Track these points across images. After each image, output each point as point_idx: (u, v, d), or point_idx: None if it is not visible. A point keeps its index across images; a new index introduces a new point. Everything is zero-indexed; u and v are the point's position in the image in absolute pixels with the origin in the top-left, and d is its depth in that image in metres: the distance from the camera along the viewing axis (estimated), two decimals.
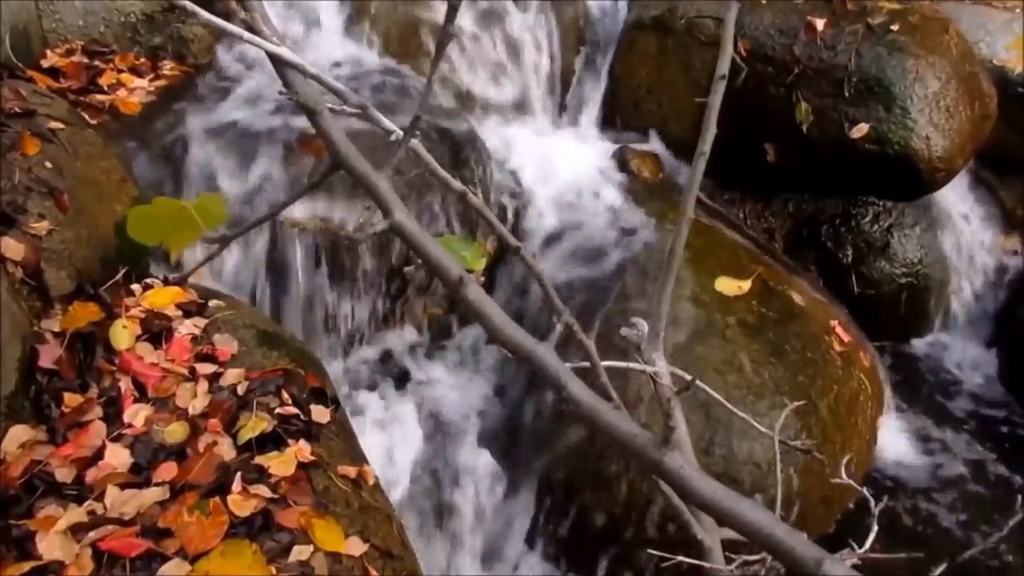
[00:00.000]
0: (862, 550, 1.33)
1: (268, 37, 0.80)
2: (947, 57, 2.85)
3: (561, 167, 3.04)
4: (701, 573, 1.36)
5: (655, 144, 3.22)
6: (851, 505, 2.50)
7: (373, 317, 2.58)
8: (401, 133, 0.82)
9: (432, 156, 0.96)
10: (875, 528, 1.39)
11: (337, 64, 2.90)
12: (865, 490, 1.50)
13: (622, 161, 3.12)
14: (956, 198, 3.28)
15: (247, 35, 0.80)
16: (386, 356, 2.62)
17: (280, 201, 2.23)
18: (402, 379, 2.58)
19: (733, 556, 1.37)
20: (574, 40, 3.36)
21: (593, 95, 3.35)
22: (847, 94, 2.82)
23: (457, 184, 0.85)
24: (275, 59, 0.82)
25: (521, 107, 3.23)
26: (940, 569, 1.19)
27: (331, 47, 2.98)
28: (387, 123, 0.83)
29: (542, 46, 3.25)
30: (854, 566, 1.00)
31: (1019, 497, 2.62)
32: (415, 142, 0.83)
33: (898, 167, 2.80)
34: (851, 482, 1.59)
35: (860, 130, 2.78)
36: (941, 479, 2.74)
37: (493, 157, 2.87)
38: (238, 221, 2.29)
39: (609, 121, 3.35)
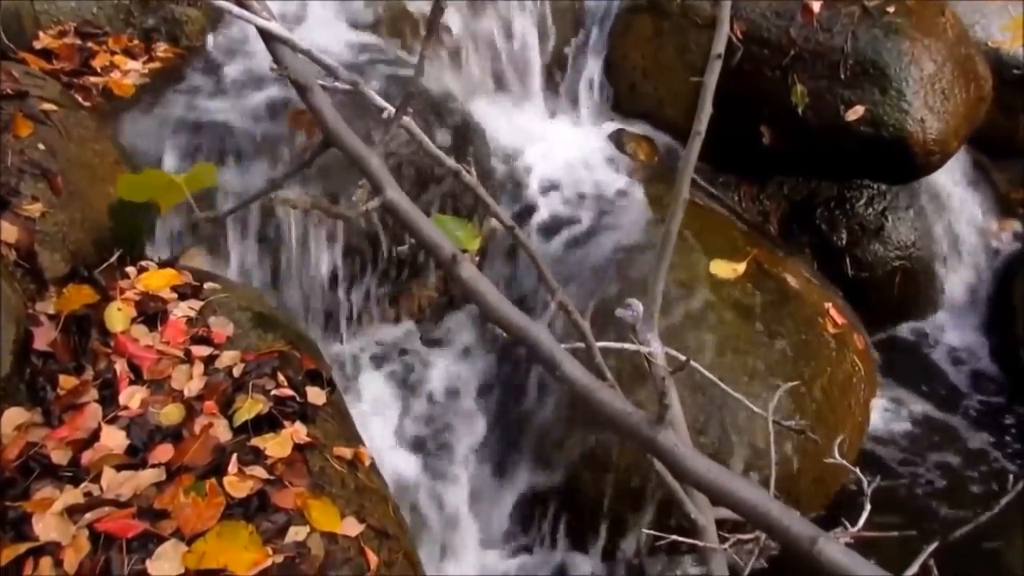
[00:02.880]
0: (855, 529, 1.34)
1: (258, 12, 0.79)
2: (943, 39, 2.85)
3: (556, 150, 3.04)
4: (696, 552, 1.37)
5: (650, 127, 3.21)
6: (844, 485, 2.51)
7: (369, 299, 2.58)
8: (393, 110, 0.82)
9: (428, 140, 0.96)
10: (868, 507, 1.40)
11: (328, 44, 2.88)
12: (858, 470, 1.51)
13: (618, 144, 3.11)
14: (950, 181, 3.28)
15: (236, 9, 0.79)
16: (382, 338, 2.62)
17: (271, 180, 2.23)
18: (397, 362, 2.59)
19: (727, 536, 1.38)
20: (570, 24, 3.35)
21: (589, 79, 3.34)
22: (843, 76, 2.81)
23: (451, 162, 0.85)
24: (265, 34, 0.81)
25: (516, 91, 3.22)
26: (932, 547, 1.20)
27: (322, 28, 2.96)
28: (379, 100, 0.82)
29: (538, 30, 3.24)
30: (847, 545, 1.00)
31: (1011, 477, 2.66)
32: (408, 119, 0.83)
33: (893, 150, 2.80)
34: (844, 462, 1.60)
35: (855, 112, 2.77)
36: (933, 460, 2.76)
37: (488, 139, 2.87)
38: (233, 204, 2.28)
39: (605, 104, 3.34)
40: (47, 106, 2.10)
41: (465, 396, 2.50)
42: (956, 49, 2.88)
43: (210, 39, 2.86)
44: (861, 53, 2.80)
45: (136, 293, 1.92)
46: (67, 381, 1.71)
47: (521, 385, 2.43)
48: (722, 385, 1.49)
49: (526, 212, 2.80)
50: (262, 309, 2.05)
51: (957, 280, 3.29)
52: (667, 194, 2.70)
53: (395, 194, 0.79)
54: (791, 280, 2.67)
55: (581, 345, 1.07)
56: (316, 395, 1.83)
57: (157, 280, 1.97)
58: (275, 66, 0.81)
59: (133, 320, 1.86)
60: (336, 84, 0.82)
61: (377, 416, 2.42)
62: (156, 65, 2.72)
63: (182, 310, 1.92)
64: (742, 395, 1.53)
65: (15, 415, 1.62)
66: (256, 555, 1.47)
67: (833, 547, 0.86)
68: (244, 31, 2.80)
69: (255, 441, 1.66)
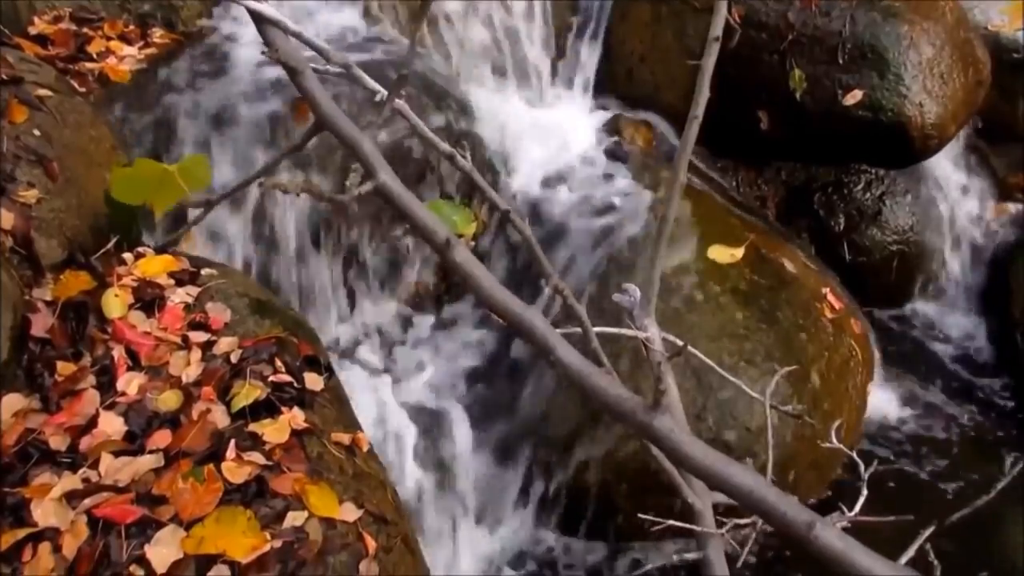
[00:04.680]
0: (852, 514, 1.34)
1: None
2: (941, 23, 2.84)
3: (554, 136, 3.03)
4: (693, 536, 1.38)
5: (648, 113, 3.20)
6: (841, 470, 2.52)
7: (366, 284, 2.58)
8: (386, 93, 0.82)
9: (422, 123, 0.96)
10: (865, 492, 1.40)
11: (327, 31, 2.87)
12: (855, 455, 1.51)
13: (615, 130, 3.10)
14: (948, 166, 3.28)
15: None
16: (378, 324, 2.62)
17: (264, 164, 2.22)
18: (394, 345, 2.59)
19: (724, 520, 1.38)
20: (568, 9, 3.34)
21: (586, 64, 3.33)
22: (841, 61, 2.80)
23: (445, 146, 0.85)
24: (255, 16, 0.81)
25: (513, 76, 3.21)
26: (929, 532, 1.20)
27: (323, 15, 2.95)
28: (371, 82, 0.82)
29: (535, 16, 3.22)
30: (844, 529, 1.01)
31: (1008, 460, 2.67)
32: (401, 102, 0.82)
33: (891, 134, 2.79)
34: (841, 447, 1.60)
35: (854, 97, 2.76)
36: (930, 444, 2.76)
37: (484, 124, 2.86)
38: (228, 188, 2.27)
39: (602, 90, 3.33)
40: (42, 92, 2.09)
41: (463, 374, 2.51)
42: (955, 33, 2.87)
43: (206, 24, 2.86)
44: (859, 37, 2.79)
45: (133, 279, 1.92)
46: (65, 367, 1.71)
47: (518, 367, 2.44)
48: (719, 370, 1.49)
49: (522, 197, 2.79)
50: (259, 295, 2.05)
51: (955, 264, 3.29)
52: (665, 179, 2.70)
53: (388, 178, 0.78)
54: (789, 265, 2.67)
55: (577, 330, 1.07)
56: (314, 381, 1.83)
57: (154, 266, 1.97)
58: (266, 49, 0.80)
59: (130, 306, 1.86)
60: (328, 67, 0.82)
61: (374, 400, 2.43)
62: (152, 51, 2.71)
63: (179, 296, 1.91)
64: (739, 380, 1.53)
65: (13, 401, 1.62)
66: (254, 540, 1.48)
67: (830, 533, 0.86)
68: (240, 16, 2.79)
69: (253, 427, 1.66)
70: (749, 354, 2.37)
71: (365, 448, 1.81)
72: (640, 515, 1.93)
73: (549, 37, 3.27)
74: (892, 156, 2.95)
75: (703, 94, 1.28)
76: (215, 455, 1.60)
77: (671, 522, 1.38)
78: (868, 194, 3.13)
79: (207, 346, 1.83)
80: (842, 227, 3.12)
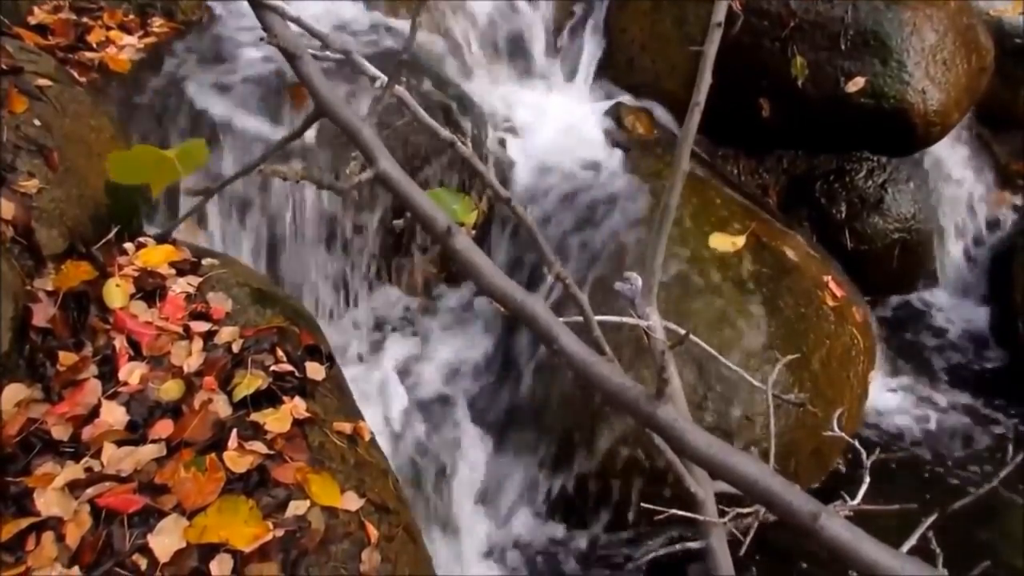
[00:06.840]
0: (854, 502, 1.34)
1: None
2: (944, 9, 2.83)
3: (555, 125, 3.03)
4: (695, 526, 1.38)
5: (649, 100, 3.19)
6: (842, 458, 2.52)
7: (366, 274, 2.58)
8: (386, 79, 0.81)
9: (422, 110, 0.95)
10: (867, 480, 1.40)
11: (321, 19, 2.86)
12: (856, 443, 1.51)
13: (616, 118, 3.10)
14: (950, 153, 3.27)
15: None
16: (380, 314, 2.62)
17: (263, 152, 2.22)
18: (395, 337, 2.59)
19: (727, 509, 1.38)
20: None
21: (587, 53, 3.32)
22: (843, 47, 2.79)
23: (446, 132, 0.84)
24: (253, 2, 0.80)
25: (515, 65, 3.21)
26: (930, 520, 1.20)
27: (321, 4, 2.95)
28: (371, 69, 0.81)
29: (535, 4, 3.21)
30: (846, 518, 1.01)
31: (1009, 449, 2.66)
32: (401, 89, 0.82)
33: (893, 121, 2.79)
34: (843, 435, 1.60)
35: (856, 84, 2.75)
36: (932, 432, 2.77)
37: (485, 113, 2.85)
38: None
39: (603, 79, 3.33)
40: (42, 82, 2.08)
41: (464, 366, 2.51)
42: (958, 19, 2.85)
43: (206, 13, 2.85)
44: (862, 23, 2.78)
45: (134, 269, 1.91)
46: (66, 357, 1.71)
47: (521, 356, 2.43)
48: (721, 358, 1.49)
49: (523, 185, 2.78)
50: (260, 285, 2.04)
51: (957, 252, 3.29)
52: (666, 167, 2.70)
53: (388, 165, 0.78)
54: (790, 253, 2.67)
55: (579, 319, 1.06)
56: (315, 370, 1.83)
57: (155, 256, 1.97)
58: (265, 35, 0.79)
59: (132, 296, 1.85)
60: (327, 53, 0.81)
61: (374, 390, 2.43)
62: (152, 40, 2.70)
63: (180, 286, 1.91)
64: (741, 368, 1.53)
65: (15, 391, 1.62)
66: (256, 529, 1.48)
67: (836, 522, 0.86)
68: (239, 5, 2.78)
69: (254, 416, 1.66)
70: (750, 342, 2.37)
71: (367, 437, 1.81)
72: (643, 504, 1.93)
73: (550, 26, 3.26)
74: (894, 143, 2.94)
75: (705, 81, 1.27)
76: (217, 445, 1.60)
77: (674, 511, 1.38)
78: (870, 182, 3.13)
79: (208, 336, 1.82)
80: (844, 215, 3.11)
